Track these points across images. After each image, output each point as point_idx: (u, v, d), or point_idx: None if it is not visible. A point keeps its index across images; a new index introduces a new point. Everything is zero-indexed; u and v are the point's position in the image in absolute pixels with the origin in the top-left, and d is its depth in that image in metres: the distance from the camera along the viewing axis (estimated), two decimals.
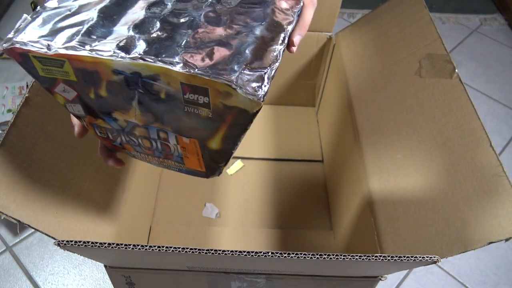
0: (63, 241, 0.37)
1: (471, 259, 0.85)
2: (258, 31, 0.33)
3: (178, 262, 0.45)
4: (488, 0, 1.53)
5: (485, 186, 0.42)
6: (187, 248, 0.36)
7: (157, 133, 0.38)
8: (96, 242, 0.36)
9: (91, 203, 0.52)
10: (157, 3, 0.35)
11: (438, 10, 1.46)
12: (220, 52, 0.31)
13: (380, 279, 0.49)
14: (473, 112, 0.47)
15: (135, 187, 0.64)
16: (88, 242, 0.37)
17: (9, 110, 1.04)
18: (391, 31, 0.65)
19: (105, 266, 0.49)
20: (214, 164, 0.40)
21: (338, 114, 0.75)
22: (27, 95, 0.46)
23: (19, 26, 0.33)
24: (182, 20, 0.34)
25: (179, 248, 0.36)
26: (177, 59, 0.30)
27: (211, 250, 0.36)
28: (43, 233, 0.41)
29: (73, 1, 0.35)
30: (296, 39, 0.36)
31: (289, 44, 0.37)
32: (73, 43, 0.31)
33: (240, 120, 0.32)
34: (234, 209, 0.77)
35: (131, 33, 0.32)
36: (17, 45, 0.31)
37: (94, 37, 0.32)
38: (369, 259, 0.37)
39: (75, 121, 0.40)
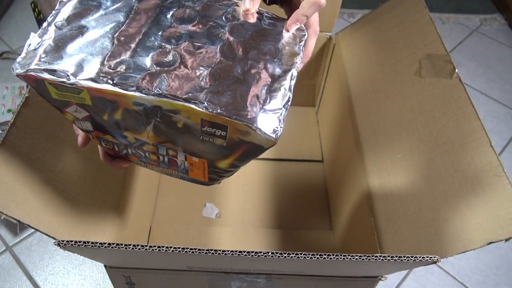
0: (63, 241, 0.37)
1: (471, 259, 0.85)
2: (271, 68, 0.34)
3: (178, 262, 0.45)
4: (488, 0, 1.53)
5: (485, 186, 0.42)
6: (187, 248, 0.36)
7: (166, 151, 0.38)
8: (96, 242, 0.36)
9: (91, 203, 0.52)
10: (171, 30, 0.35)
11: (438, 10, 1.46)
12: (240, 92, 0.32)
13: (380, 279, 0.49)
14: (473, 112, 0.47)
15: (135, 187, 0.64)
16: (88, 242, 0.37)
17: (9, 110, 1.04)
18: (391, 31, 0.65)
19: (105, 266, 0.49)
20: (218, 177, 0.40)
21: (338, 114, 0.75)
22: (27, 95, 0.46)
23: (29, 48, 0.32)
24: (199, 54, 0.34)
25: (179, 248, 0.36)
26: (200, 98, 0.31)
27: (211, 250, 0.36)
28: (43, 233, 0.41)
29: (82, 19, 0.34)
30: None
31: None
32: (94, 75, 0.31)
33: (253, 151, 0.34)
34: (234, 209, 0.77)
35: (153, 67, 0.32)
36: (32, 73, 0.31)
37: (115, 69, 0.32)
38: (369, 259, 0.37)
39: (78, 131, 0.39)
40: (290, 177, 0.82)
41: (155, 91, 0.31)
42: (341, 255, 0.37)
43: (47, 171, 0.47)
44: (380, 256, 0.37)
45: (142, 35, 0.34)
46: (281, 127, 0.32)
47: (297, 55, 0.36)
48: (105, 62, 0.32)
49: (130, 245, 0.36)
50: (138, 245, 0.36)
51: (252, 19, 0.37)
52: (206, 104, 0.31)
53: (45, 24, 0.33)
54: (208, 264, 0.45)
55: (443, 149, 0.49)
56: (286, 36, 0.37)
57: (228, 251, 0.36)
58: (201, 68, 0.33)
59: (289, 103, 0.33)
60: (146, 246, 0.36)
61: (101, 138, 0.38)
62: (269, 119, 0.32)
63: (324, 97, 0.87)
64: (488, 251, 0.86)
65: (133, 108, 0.32)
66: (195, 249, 0.36)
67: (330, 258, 0.37)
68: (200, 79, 0.32)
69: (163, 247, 0.36)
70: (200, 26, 0.36)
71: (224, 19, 0.37)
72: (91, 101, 0.32)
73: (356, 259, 0.37)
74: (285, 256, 0.36)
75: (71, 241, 0.37)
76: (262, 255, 0.36)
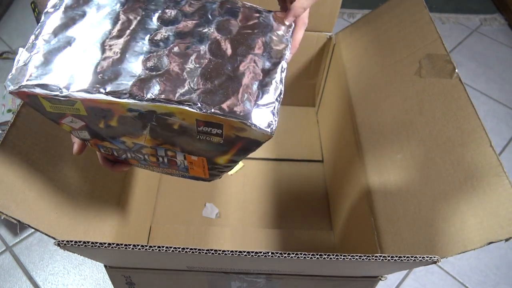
0: (63, 241, 0.37)
1: (471, 259, 0.85)
2: (261, 63, 0.34)
3: (178, 262, 0.45)
4: (488, 0, 1.53)
5: (485, 186, 0.42)
6: (187, 248, 0.36)
7: (165, 152, 0.38)
8: (96, 242, 0.36)
9: (91, 203, 0.52)
10: (158, 33, 0.35)
11: (438, 10, 1.46)
12: (232, 90, 0.32)
13: (380, 279, 0.49)
14: (473, 112, 0.47)
15: (135, 187, 0.64)
16: (88, 242, 0.37)
17: (9, 110, 1.04)
18: (391, 31, 0.65)
19: (105, 266, 0.49)
20: (218, 172, 0.40)
21: (338, 114, 0.75)
22: None
23: (19, 64, 0.32)
24: (188, 55, 0.34)
25: (179, 248, 0.36)
26: (193, 99, 0.31)
27: (211, 250, 0.36)
28: (43, 233, 0.41)
29: (69, 30, 0.34)
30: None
31: None
32: (86, 85, 0.31)
33: (250, 146, 0.34)
34: (234, 209, 0.77)
35: (144, 73, 0.32)
36: (25, 89, 0.31)
37: (106, 77, 0.31)
38: (369, 259, 0.37)
39: (75, 139, 0.39)
40: (290, 177, 0.82)
41: (148, 96, 0.31)
42: (341, 255, 0.37)
43: (47, 171, 0.46)
44: (380, 256, 0.37)
45: (130, 41, 0.34)
46: (275, 121, 0.32)
47: (285, 46, 0.36)
48: (96, 71, 0.32)
49: (130, 245, 0.36)
50: (138, 245, 0.36)
51: (242, 12, 0.37)
52: (199, 105, 0.31)
53: (32, 37, 0.33)
54: (208, 264, 0.45)
55: (443, 149, 0.49)
56: (273, 28, 0.37)
57: (228, 251, 0.36)
58: (191, 69, 0.33)
59: (282, 96, 0.34)
60: (146, 246, 0.36)
61: (99, 145, 0.38)
62: (263, 114, 0.32)
63: (324, 97, 0.87)
64: (488, 251, 0.86)
65: (128, 114, 0.32)
66: (195, 249, 0.36)
67: (330, 258, 0.37)
68: (192, 80, 0.32)
69: (163, 247, 0.36)
70: (187, 25, 0.36)
71: (210, 16, 0.37)
72: (86, 111, 0.32)
73: (356, 259, 0.37)
74: (285, 256, 0.36)
75: (71, 241, 0.37)
76: (262, 255, 0.36)
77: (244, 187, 0.80)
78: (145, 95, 0.31)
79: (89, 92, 0.31)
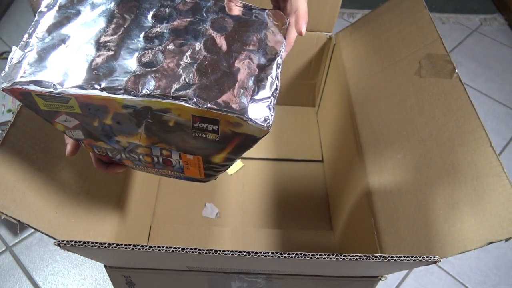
0: (63, 241, 0.37)
1: (471, 259, 0.85)
2: (256, 59, 0.34)
3: (178, 262, 0.45)
4: (488, 0, 1.53)
5: (485, 186, 0.42)
6: (187, 248, 0.36)
7: (160, 151, 0.38)
8: (96, 242, 0.36)
9: (91, 203, 0.52)
10: (153, 30, 0.35)
11: (438, 10, 1.46)
12: (227, 85, 0.32)
13: (380, 279, 0.49)
14: (473, 112, 0.47)
15: (135, 187, 0.64)
16: (88, 242, 0.37)
17: (9, 110, 1.04)
18: (391, 31, 0.65)
19: (105, 266, 0.49)
20: (214, 172, 0.40)
21: (338, 114, 0.75)
22: None
23: (12, 62, 0.32)
24: (184, 51, 0.34)
25: (179, 248, 0.36)
26: (189, 94, 0.31)
27: (211, 250, 0.36)
28: (43, 233, 0.41)
29: (63, 28, 0.34)
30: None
31: None
32: (80, 82, 0.31)
33: (247, 142, 0.34)
34: (234, 209, 0.77)
35: (139, 69, 0.32)
36: (19, 86, 0.31)
37: (100, 74, 0.31)
38: (369, 259, 0.37)
39: (68, 139, 0.39)
40: (290, 177, 0.82)
41: (144, 92, 0.31)
42: (341, 255, 0.37)
43: (47, 171, 0.46)
44: (380, 256, 0.37)
45: (124, 38, 0.34)
46: (271, 115, 0.32)
47: (280, 43, 0.36)
48: (90, 68, 0.32)
49: (130, 245, 0.36)
50: (138, 245, 0.36)
51: (236, 10, 0.37)
52: (195, 100, 0.31)
53: (25, 36, 0.33)
54: (208, 264, 0.45)
55: (443, 149, 0.49)
56: (268, 26, 0.37)
57: (228, 251, 0.36)
58: (186, 64, 0.33)
59: (277, 91, 0.34)
60: (146, 246, 0.36)
61: (93, 145, 0.38)
62: (259, 109, 0.32)
63: (324, 97, 0.87)
64: (488, 251, 0.86)
65: (123, 111, 0.32)
66: (195, 249, 0.36)
67: (330, 258, 0.37)
68: (187, 75, 0.32)
69: (163, 247, 0.36)
70: (181, 23, 0.36)
71: (204, 14, 0.37)
72: (80, 108, 0.32)
73: (356, 259, 0.37)
74: (285, 256, 0.36)
75: (71, 241, 0.37)
76: (262, 255, 0.36)
77: (244, 187, 0.80)
78: (140, 91, 0.31)
79: (83, 88, 0.31)
